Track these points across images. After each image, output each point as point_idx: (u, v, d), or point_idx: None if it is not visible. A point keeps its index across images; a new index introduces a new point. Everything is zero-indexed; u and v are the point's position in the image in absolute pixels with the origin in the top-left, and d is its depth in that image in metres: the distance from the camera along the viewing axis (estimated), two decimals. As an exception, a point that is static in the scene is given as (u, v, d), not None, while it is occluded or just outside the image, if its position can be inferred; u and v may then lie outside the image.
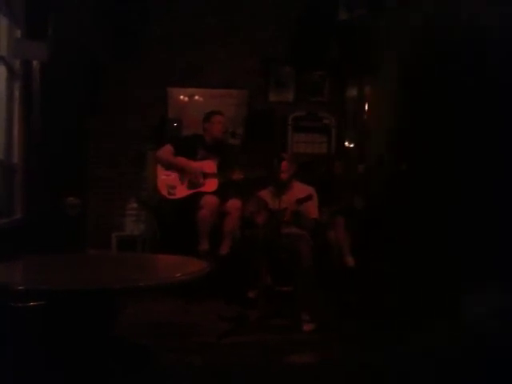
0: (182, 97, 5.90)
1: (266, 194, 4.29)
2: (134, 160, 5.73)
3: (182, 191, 4.44)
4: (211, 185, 4.45)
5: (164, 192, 4.43)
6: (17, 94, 3.97)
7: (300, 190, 4.25)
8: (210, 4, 5.94)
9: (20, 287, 2.06)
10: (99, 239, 5.60)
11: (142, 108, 5.84)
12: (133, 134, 5.78)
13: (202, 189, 4.43)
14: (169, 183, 4.45)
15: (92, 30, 5.33)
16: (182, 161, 4.47)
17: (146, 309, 3.89)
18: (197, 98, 5.92)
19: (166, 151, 4.52)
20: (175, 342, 3.25)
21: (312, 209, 4.19)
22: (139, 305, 3.76)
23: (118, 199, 5.71)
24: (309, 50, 5.86)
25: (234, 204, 4.39)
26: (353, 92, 5.76)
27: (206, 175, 4.46)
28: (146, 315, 3.81)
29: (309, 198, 4.01)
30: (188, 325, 3.69)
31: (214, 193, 4.40)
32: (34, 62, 3.93)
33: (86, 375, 2.14)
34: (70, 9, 4.77)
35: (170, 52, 5.88)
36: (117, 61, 5.67)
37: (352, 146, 5.75)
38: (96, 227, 5.71)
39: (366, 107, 5.45)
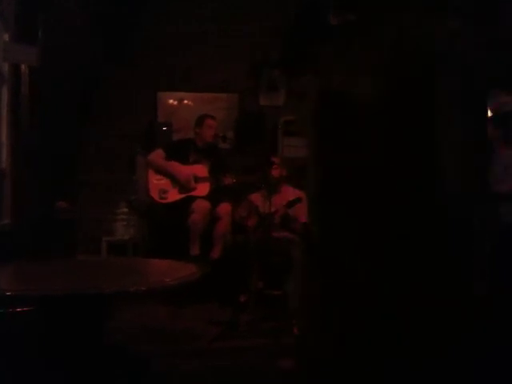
0: (171, 101, 5.89)
1: (257, 198, 4.29)
2: (125, 164, 5.71)
3: (173, 195, 4.43)
4: (203, 189, 4.44)
5: (156, 196, 4.42)
6: (5, 98, 3.95)
7: (290, 193, 4.26)
8: (201, 8, 5.94)
9: (8, 293, 2.04)
10: (89, 244, 5.56)
11: (133, 112, 5.81)
12: (123, 137, 5.75)
13: (194, 193, 4.42)
14: (160, 187, 4.44)
15: (83, 32, 5.30)
16: (172, 165, 4.46)
17: (138, 314, 3.87)
18: (187, 102, 5.91)
19: (157, 155, 4.51)
20: (167, 347, 3.23)
21: (302, 213, 4.19)
22: (131, 310, 3.74)
23: (108, 203, 5.68)
24: (300, 55, 5.86)
25: (224, 208, 4.38)
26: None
27: (197, 179, 4.45)
28: (138, 320, 3.79)
29: (298, 200, 4.02)
30: (180, 329, 3.67)
31: (205, 197, 4.39)
32: (23, 66, 3.91)
33: (78, 381, 2.12)
34: (60, 12, 4.74)
35: (160, 56, 5.86)
36: (108, 64, 5.64)
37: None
38: (86, 232, 5.67)
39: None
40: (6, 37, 3.90)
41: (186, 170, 4.46)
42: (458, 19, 1.15)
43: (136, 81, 5.76)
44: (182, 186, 4.43)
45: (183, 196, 4.43)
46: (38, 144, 4.19)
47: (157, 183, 4.45)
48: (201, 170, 4.50)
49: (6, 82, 3.95)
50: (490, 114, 3.55)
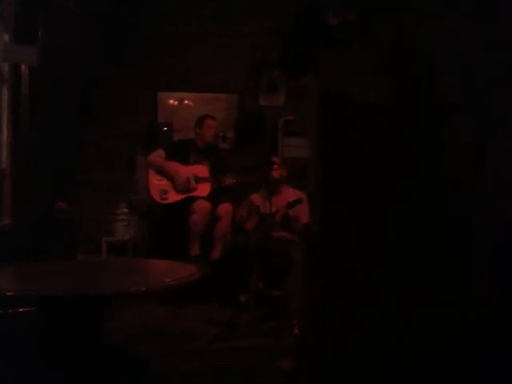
0: (172, 101, 5.89)
1: (257, 198, 4.29)
2: (125, 164, 5.70)
3: (174, 196, 4.43)
4: (204, 189, 4.43)
5: (156, 196, 4.42)
6: (5, 98, 3.95)
7: (290, 194, 4.26)
8: (201, 8, 5.94)
9: (9, 293, 2.04)
10: (89, 244, 5.55)
11: (133, 112, 5.81)
12: (123, 137, 5.75)
13: (195, 193, 4.42)
14: (161, 188, 4.43)
15: (83, 32, 5.30)
16: (173, 166, 4.45)
17: (138, 314, 3.87)
18: (187, 102, 5.91)
19: (158, 156, 4.51)
20: (167, 347, 3.23)
21: (302, 213, 4.19)
22: (131, 310, 3.74)
23: (108, 203, 5.68)
24: (300, 55, 5.86)
25: (224, 208, 4.38)
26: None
27: (198, 179, 4.45)
28: (138, 320, 3.79)
29: (298, 201, 4.02)
30: (180, 329, 3.67)
31: (206, 197, 4.39)
32: (23, 66, 3.91)
33: (78, 381, 2.12)
34: (60, 12, 4.74)
35: (160, 56, 5.86)
36: (108, 64, 5.64)
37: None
38: (86, 232, 5.67)
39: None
40: (6, 37, 3.90)
41: (185, 172, 4.45)
42: (458, 19, 1.15)
43: (136, 81, 5.75)
44: (180, 189, 4.42)
45: (184, 196, 4.42)
46: (38, 144, 4.19)
47: (158, 184, 4.45)
48: (201, 170, 4.50)
49: (6, 81, 3.95)
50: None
